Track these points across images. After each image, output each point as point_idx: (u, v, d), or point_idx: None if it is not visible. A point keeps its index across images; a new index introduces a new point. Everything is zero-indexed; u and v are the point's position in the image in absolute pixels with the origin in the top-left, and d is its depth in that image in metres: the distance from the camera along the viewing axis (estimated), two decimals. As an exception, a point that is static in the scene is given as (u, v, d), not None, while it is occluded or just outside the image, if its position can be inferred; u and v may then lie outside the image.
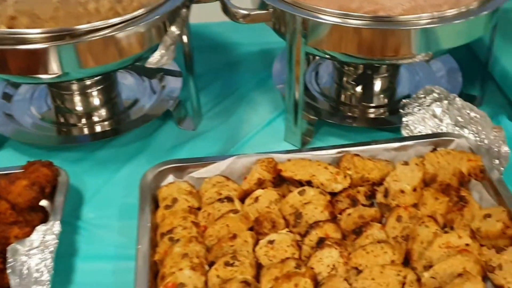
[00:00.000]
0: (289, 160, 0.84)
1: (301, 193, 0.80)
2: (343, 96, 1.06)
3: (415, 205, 0.79)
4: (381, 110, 1.04)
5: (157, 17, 0.85)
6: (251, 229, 0.76)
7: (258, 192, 0.80)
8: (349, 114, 1.03)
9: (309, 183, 0.81)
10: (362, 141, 0.89)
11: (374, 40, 0.83)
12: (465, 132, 0.90)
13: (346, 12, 0.82)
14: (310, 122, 0.99)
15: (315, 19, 0.83)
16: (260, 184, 0.82)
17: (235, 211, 0.76)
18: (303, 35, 0.85)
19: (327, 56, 0.91)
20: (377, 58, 0.88)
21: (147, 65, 0.82)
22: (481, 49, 1.04)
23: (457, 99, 0.92)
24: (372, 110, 1.04)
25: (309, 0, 0.85)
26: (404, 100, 0.95)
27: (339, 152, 0.86)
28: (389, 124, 1.00)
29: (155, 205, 0.80)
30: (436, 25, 0.82)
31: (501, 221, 0.75)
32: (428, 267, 0.71)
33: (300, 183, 0.82)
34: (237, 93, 1.11)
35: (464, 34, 0.87)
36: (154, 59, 0.82)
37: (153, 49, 0.84)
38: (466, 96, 1.02)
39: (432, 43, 0.85)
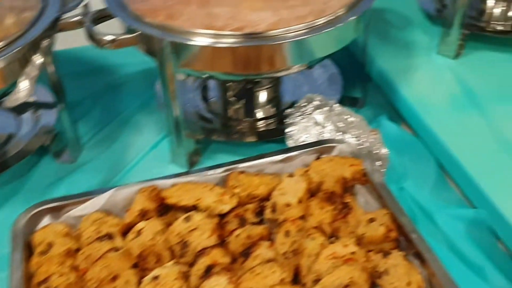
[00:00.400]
0: (173, 185, 0.81)
1: (187, 220, 0.76)
2: (229, 112, 1.05)
3: (302, 217, 0.78)
4: (269, 122, 1.04)
5: (16, 50, 0.80)
6: (136, 265, 0.72)
7: (141, 224, 0.76)
8: (237, 129, 1.02)
9: (195, 208, 0.79)
10: (253, 155, 0.87)
11: (246, 57, 0.82)
12: (347, 137, 0.91)
13: (213, 31, 0.81)
14: (197, 140, 0.97)
15: (183, 41, 0.81)
16: (144, 215, 0.78)
17: (116, 249, 0.72)
18: (173, 57, 0.82)
19: (204, 75, 0.89)
20: (253, 73, 0.87)
21: (8, 105, 0.76)
22: (358, 51, 1.05)
23: (336, 105, 0.93)
24: (260, 122, 1.04)
25: (174, 21, 0.82)
26: (287, 111, 0.95)
27: (226, 170, 0.84)
28: (278, 135, 0.99)
29: (30, 252, 0.74)
30: (304, 36, 0.82)
31: (384, 224, 0.75)
32: (317, 281, 0.70)
33: (186, 209, 0.79)
34: (119, 118, 1.06)
35: (335, 41, 0.88)
36: (15, 97, 0.77)
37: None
38: (349, 99, 1.03)
39: (305, 54, 0.86)
